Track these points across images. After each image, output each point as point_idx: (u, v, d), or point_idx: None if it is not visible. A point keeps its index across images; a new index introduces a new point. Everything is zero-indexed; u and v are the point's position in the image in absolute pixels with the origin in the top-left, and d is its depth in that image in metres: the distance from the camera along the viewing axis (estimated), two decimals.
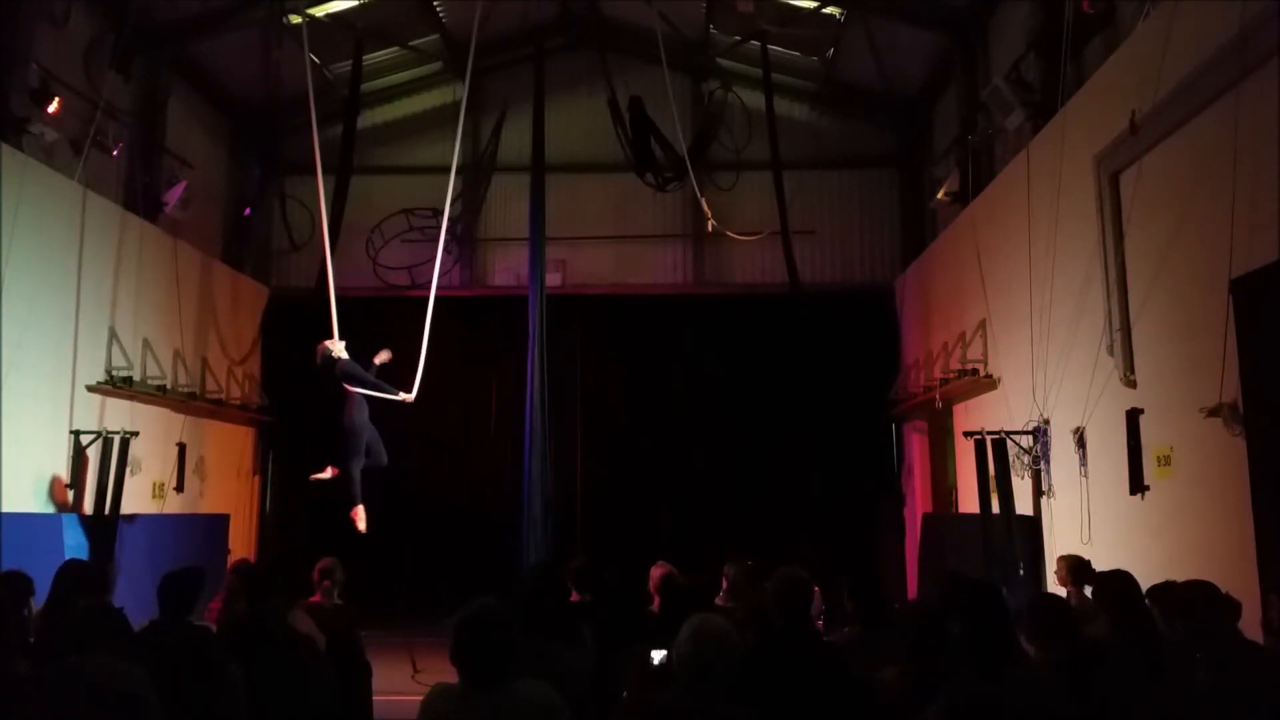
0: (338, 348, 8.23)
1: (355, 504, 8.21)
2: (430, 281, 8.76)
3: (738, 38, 12.58)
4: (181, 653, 3.30)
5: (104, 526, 8.31)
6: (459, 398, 12.94)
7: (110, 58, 9.47)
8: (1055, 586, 6.22)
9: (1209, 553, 5.37)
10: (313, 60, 12.29)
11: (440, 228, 9.32)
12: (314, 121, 8.37)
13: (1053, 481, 7.68)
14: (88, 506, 8.47)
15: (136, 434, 8.80)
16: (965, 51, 10.59)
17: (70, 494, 8.54)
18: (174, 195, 10.46)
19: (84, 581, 4.73)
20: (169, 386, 10.08)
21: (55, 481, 8.39)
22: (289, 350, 12.68)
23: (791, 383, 12.37)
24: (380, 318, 12.84)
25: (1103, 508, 6.79)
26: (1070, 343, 7.35)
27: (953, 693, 3.07)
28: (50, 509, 8.26)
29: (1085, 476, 7.07)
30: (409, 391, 8.27)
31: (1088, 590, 5.11)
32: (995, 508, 7.83)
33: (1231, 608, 4.01)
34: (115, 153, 9.48)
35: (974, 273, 9.38)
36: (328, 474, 8.39)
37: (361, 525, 8.21)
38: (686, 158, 10.78)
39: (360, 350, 8.90)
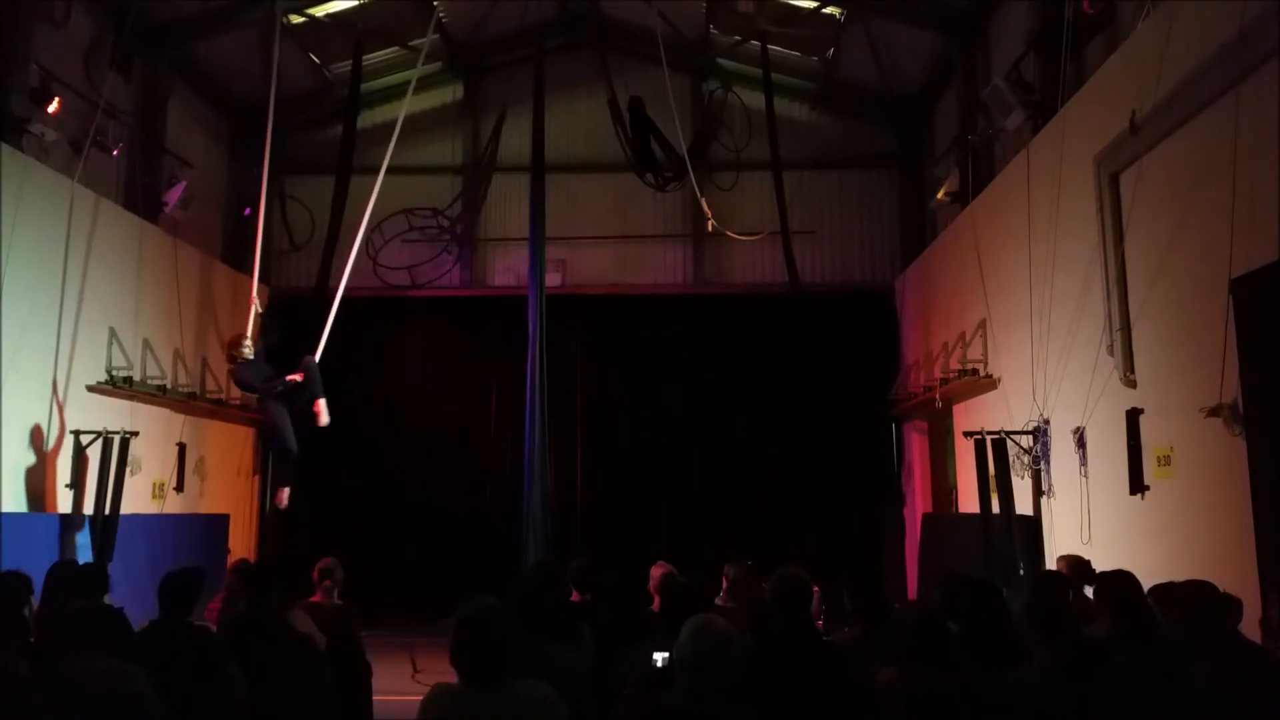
0: (246, 350, 8.07)
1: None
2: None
3: (738, 38, 12.59)
4: (181, 653, 3.30)
5: (104, 526, 8.30)
6: (459, 398, 12.95)
7: (110, 58, 9.47)
8: None
9: (1209, 553, 5.36)
10: (313, 60, 12.38)
11: (358, 236, 9.40)
12: (271, 114, 8.38)
13: (1053, 481, 7.68)
14: (88, 506, 8.47)
15: (136, 434, 8.80)
16: (965, 51, 10.58)
17: (71, 494, 8.55)
18: (174, 195, 10.46)
19: (75, 582, 4.72)
20: (169, 386, 10.08)
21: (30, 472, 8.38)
22: (289, 350, 12.70)
23: (791, 383, 12.38)
24: (380, 318, 12.91)
25: (1103, 508, 6.79)
26: (1070, 343, 7.35)
27: (911, 684, 3.09)
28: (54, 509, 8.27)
29: (1085, 476, 7.06)
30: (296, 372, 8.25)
31: (1088, 590, 5.10)
32: (995, 508, 7.82)
33: (1231, 608, 4.01)
34: (115, 153, 9.47)
35: (974, 273, 9.38)
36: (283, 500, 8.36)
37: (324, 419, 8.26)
38: (686, 158, 10.78)
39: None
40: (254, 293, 8.48)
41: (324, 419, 8.27)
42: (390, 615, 10.35)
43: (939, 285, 11.03)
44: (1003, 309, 8.82)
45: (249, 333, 8.24)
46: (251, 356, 8.15)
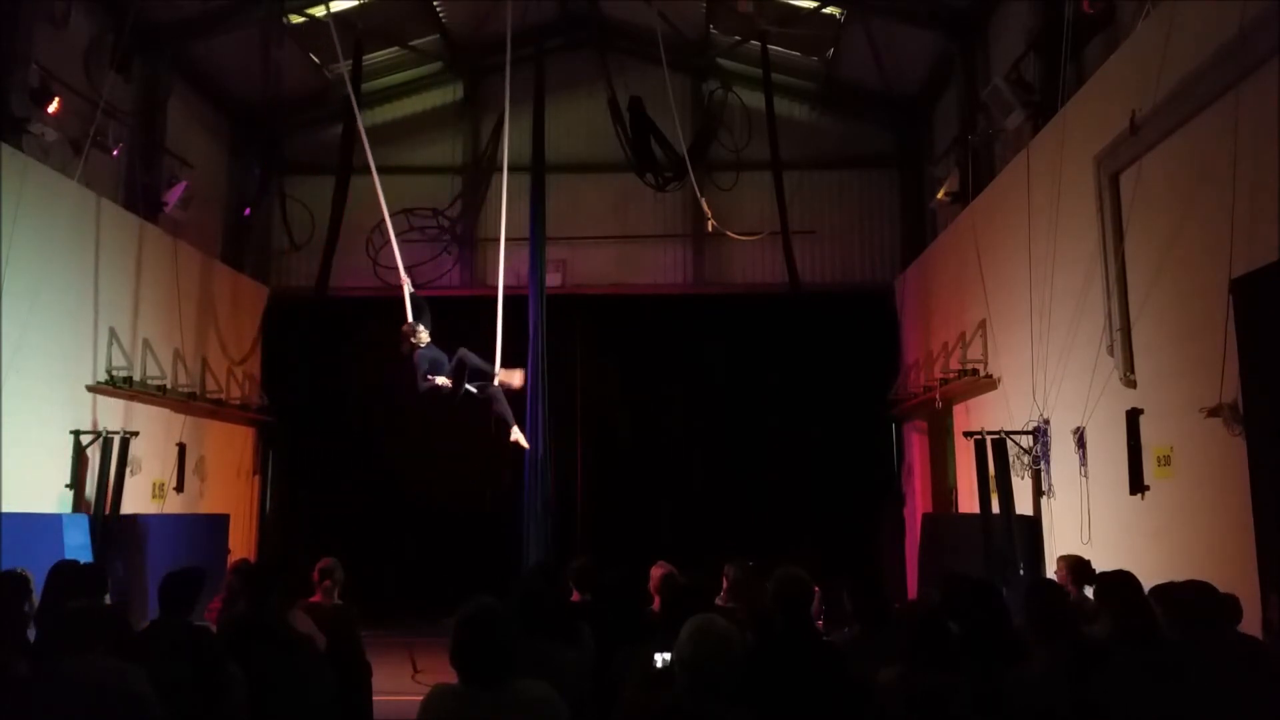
0: (424, 334, 8.00)
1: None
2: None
3: (738, 38, 12.59)
4: (181, 653, 3.30)
5: (104, 526, 8.30)
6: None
7: (110, 58, 9.47)
8: None
9: (1209, 553, 5.37)
10: (313, 60, 12.38)
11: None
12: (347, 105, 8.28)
13: (1053, 481, 7.68)
14: (88, 507, 8.47)
15: (136, 434, 8.80)
16: (965, 51, 10.59)
17: (70, 494, 8.55)
18: (174, 195, 10.46)
19: (77, 582, 4.72)
20: (169, 386, 10.08)
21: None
22: (289, 350, 12.72)
23: (791, 383, 12.39)
24: (380, 318, 12.89)
25: (1103, 508, 6.79)
26: (1070, 343, 7.35)
27: (911, 684, 3.08)
28: (54, 509, 8.27)
29: (1085, 476, 7.07)
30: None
31: (1088, 590, 5.10)
32: (995, 508, 7.83)
33: (1231, 608, 4.01)
34: (115, 153, 9.48)
35: (974, 273, 9.38)
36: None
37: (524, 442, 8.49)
38: (686, 158, 10.79)
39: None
40: (402, 272, 8.45)
41: (524, 442, 8.51)
42: (390, 615, 10.34)
43: (939, 285, 11.03)
44: (1003, 309, 8.82)
45: (408, 314, 8.20)
46: (428, 340, 8.07)
